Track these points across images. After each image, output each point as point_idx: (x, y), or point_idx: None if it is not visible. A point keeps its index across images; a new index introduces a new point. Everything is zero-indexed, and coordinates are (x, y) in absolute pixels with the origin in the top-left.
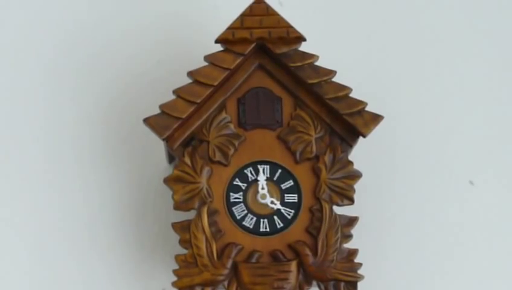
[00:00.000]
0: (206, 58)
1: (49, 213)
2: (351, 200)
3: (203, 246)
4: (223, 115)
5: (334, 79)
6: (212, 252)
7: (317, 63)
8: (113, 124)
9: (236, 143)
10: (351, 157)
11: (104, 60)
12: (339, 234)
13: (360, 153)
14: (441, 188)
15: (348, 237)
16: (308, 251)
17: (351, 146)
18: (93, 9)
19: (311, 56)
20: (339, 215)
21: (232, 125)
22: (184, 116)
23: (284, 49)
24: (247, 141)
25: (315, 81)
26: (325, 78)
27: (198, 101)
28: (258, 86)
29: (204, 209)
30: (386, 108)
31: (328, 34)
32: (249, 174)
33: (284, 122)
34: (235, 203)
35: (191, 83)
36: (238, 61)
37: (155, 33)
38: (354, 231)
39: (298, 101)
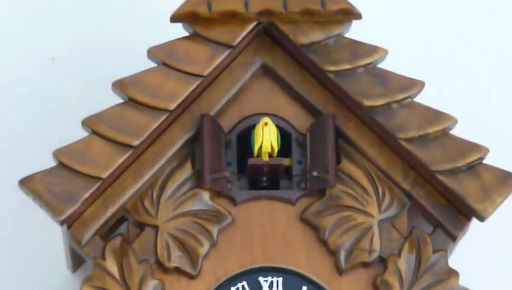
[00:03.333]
0: (152, 53)
1: None
2: None
3: None
4: (188, 171)
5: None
6: None
7: (383, 64)
8: None
9: (214, 231)
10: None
11: None
12: None
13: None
14: None
15: None
16: None
17: (453, 239)
18: None
19: (373, 50)
20: None
21: (206, 194)
22: (106, 174)
23: (316, 37)
24: (238, 225)
25: (379, 102)
26: (400, 97)
27: (136, 142)
28: (259, 113)
29: None
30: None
31: (399, 7)
32: None
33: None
34: None
35: (120, 106)
36: (220, 60)
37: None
38: None
39: (344, 142)
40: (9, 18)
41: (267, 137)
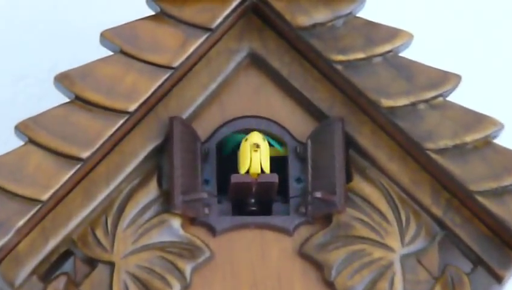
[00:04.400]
0: (107, 37)
1: None
2: None
3: None
4: (153, 191)
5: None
6: None
7: (407, 53)
8: None
9: (187, 269)
10: None
11: None
12: None
13: None
14: None
15: None
16: None
17: (499, 280)
18: None
19: (394, 34)
20: None
21: (177, 221)
22: (46, 195)
23: (319, 17)
24: (218, 262)
25: (402, 102)
26: (429, 95)
27: (86, 154)
28: (245, 115)
29: None
30: None
31: None
32: None
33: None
34: None
35: (66, 106)
36: (195, 46)
37: None
38: None
39: (356, 154)
40: None
41: (256, 163)
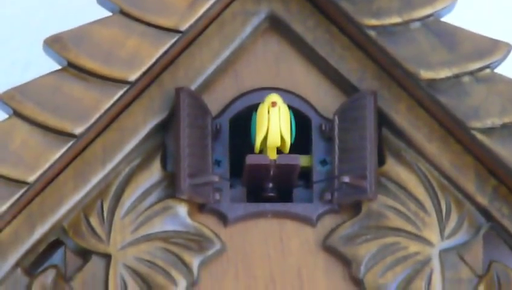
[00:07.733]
0: None
1: None
2: None
3: None
4: (157, 173)
5: None
6: None
7: (450, 17)
8: None
9: (194, 263)
10: None
11: None
12: None
13: None
14: None
15: None
16: None
17: None
18: None
19: None
20: None
21: (183, 207)
22: (33, 176)
23: None
24: (230, 255)
25: (443, 74)
26: (474, 66)
27: (80, 130)
28: (263, 87)
29: None
30: None
31: None
32: None
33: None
34: None
35: (56, 74)
36: (206, 7)
37: None
38: None
39: (391, 133)
40: None
41: (275, 123)
